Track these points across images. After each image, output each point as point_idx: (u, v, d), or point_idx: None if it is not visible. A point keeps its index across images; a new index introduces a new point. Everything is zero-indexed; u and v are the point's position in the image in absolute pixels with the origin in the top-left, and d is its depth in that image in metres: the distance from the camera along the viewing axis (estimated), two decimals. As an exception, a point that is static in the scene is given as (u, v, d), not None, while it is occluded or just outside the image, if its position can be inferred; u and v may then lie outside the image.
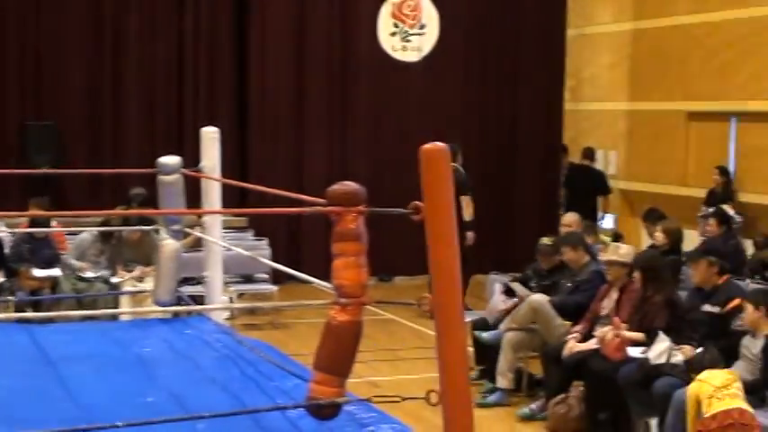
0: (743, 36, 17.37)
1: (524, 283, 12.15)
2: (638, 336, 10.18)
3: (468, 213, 15.75)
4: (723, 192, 16.61)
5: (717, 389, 8.47)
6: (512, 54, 19.71)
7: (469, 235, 15.48)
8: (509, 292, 12.15)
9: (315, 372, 4.94)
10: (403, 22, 18.70)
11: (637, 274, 10.67)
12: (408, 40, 18.76)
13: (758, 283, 12.35)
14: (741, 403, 8.27)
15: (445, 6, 18.88)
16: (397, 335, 14.06)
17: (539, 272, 12.32)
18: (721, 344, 9.74)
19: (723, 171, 16.95)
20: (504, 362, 11.26)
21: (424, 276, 4.35)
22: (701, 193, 17.11)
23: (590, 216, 17.80)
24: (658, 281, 10.52)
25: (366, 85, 18.70)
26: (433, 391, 4.73)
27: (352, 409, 5.20)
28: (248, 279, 15.25)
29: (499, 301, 12.10)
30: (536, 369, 11.57)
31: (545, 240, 12.30)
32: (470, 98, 19.28)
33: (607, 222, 19.02)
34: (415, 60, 18.81)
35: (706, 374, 8.60)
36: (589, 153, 19.56)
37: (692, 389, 8.62)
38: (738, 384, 8.44)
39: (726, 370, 8.69)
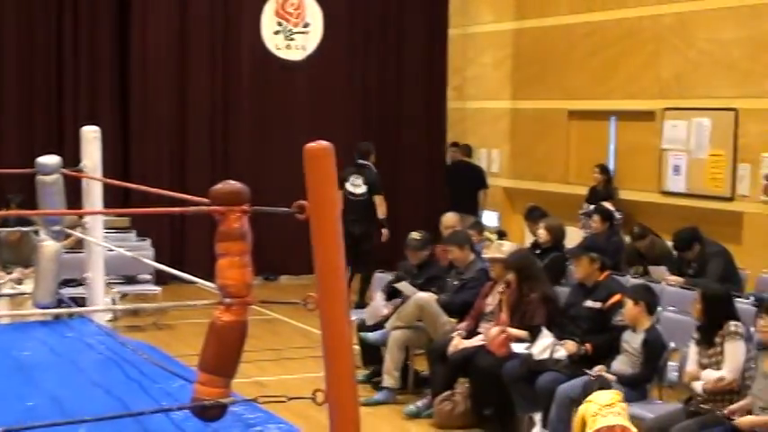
0: (621, 37, 17.62)
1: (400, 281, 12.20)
2: (522, 333, 10.28)
3: (381, 212, 16.17)
4: (604, 189, 16.83)
5: (602, 407, 8.59)
6: (396, 53, 19.79)
7: (384, 232, 15.98)
8: (392, 295, 12.15)
9: (199, 373, 4.88)
10: (287, 20, 18.65)
11: (511, 275, 10.79)
12: (292, 39, 18.73)
13: (638, 278, 12.54)
14: (624, 421, 8.40)
15: (329, 5, 18.88)
16: (283, 334, 14.02)
17: (409, 270, 12.38)
18: (602, 338, 9.88)
19: (603, 169, 17.17)
20: (390, 361, 11.29)
21: (310, 276, 4.37)
22: (583, 190, 17.32)
23: (473, 212, 18.03)
24: (532, 279, 10.66)
25: (250, 84, 18.61)
26: (319, 390, 4.71)
27: (238, 409, 5.16)
28: (131, 280, 15.08)
29: (380, 306, 12.08)
30: (422, 366, 11.60)
31: (414, 235, 12.32)
32: (355, 97, 19.33)
33: (491, 220, 19.16)
34: (299, 59, 18.79)
35: (594, 395, 8.73)
36: (466, 150, 19.71)
37: (581, 409, 8.75)
38: (623, 404, 8.57)
39: (613, 390, 8.80)
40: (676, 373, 9.81)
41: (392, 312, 11.72)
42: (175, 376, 5.75)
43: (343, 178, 15.90)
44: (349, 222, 15.57)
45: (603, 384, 9.05)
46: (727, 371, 8.50)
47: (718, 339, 8.66)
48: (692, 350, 8.95)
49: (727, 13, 15.80)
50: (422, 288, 11.78)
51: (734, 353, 8.51)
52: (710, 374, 8.53)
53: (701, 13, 16.27)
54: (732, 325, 8.59)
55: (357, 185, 16.42)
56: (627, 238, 14.96)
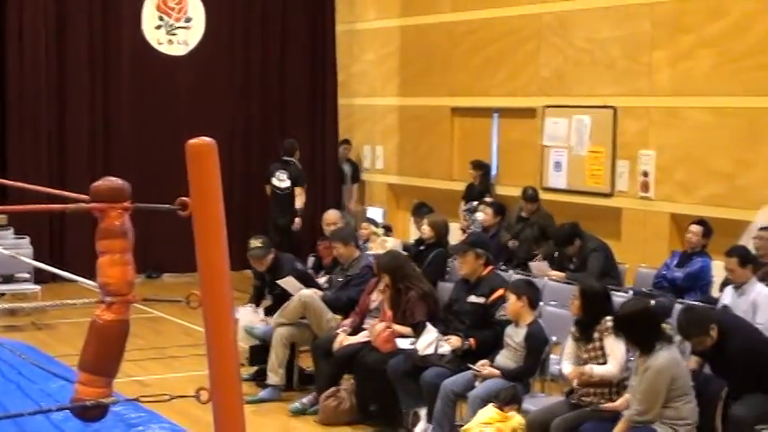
0: (503, 35, 17.78)
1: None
2: (407, 329, 10.31)
3: (299, 202, 17.10)
4: (481, 185, 16.96)
5: (479, 423, 8.74)
6: (280, 48, 19.74)
7: (297, 221, 16.84)
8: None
9: (80, 372, 4.80)
10: (168, 15, 18.49)
11: (384, 278, 10.81)
12: (174, 34, 18.58)
13: (520, 274, 12.65)
14: None
15: (211, 0, 18.73)
16: (166, 333, 13.89)
17: (262, 278, 12.43)
18: (486, 333, 9.94)
19: (477, 165, 17.25)
20: (274, 358, 11.24)
21: (194, 273, 4.33)
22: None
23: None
24: (406, 278, 10.70)
25: (130, 80, 18.41)
26: (203, 388, 4.67)
27: (120, 409, 5.10)
28: (8, 279, 14.77)
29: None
30: (307, 363, 11.58)
31: (255, 243, 12.13)
32: (239, 93, 19.25)
33: (376, 216, 19.20)
34: (181, 54, 18.62)
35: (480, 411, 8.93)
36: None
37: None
38: (500, 425, 8.72)
39: (496, 411, 8.90)
40: (558, 367, 9.90)
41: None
42: (55, 376, 5.64)
43: (270, 174, 17.45)
44: (276, 214, 17.09)
45: (507, 396, 9.11)
46: (614, 365, 8.58)
47: (596, 335, 8.76)
48: (569, 345, 9.04)
49: (605, 13, 16.02)
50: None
51: (617, 347, 8.61)
52: (597, 370, 8.60)
53: (579, 13, 16.49)
54: (609, 320, 8.68)
55: (282, 180, 17.41)
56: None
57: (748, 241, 12.58)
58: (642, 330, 8.26)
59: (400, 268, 10.82)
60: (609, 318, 8.66)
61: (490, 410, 8.96)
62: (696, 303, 10.49)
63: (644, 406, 8.01)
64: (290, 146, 17.90)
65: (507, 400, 9.02)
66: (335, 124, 20.41)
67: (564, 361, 9.06)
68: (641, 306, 8.71)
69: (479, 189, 16.83)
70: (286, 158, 17.68)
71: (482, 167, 17.21)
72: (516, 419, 8.87)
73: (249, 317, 11.93)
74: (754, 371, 8.53)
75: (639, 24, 15.52)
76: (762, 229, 12.64)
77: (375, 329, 10.41)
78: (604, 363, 8.61)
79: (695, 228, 12.69)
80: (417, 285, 10.68)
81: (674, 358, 8.17)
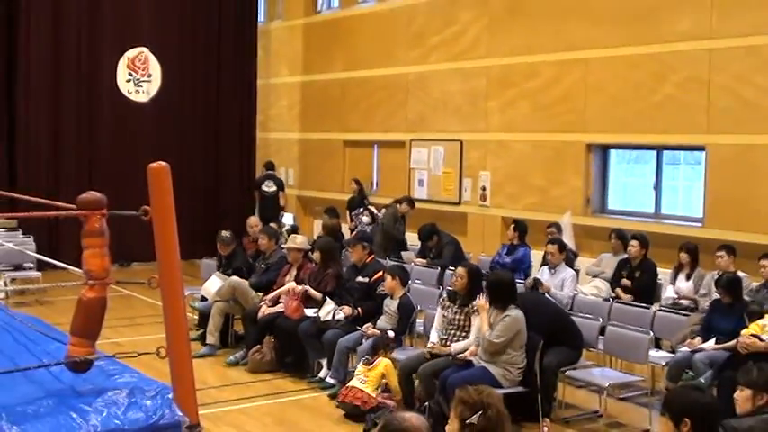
0: (381, 87, 17.85)
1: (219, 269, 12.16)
2: (318, 294, 10.37)
3: (283, 202, 18.68)
4: (359, 197, 17.01)
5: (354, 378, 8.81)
6: (217, 98, 19.61)
7: (283, 214, 18.59)
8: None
9: (71, 336, 4.75)
10: (135, 71, 18.28)
11: (317, 254, 10.91)
12: (140, 86, 18.36)
13: (394, 260, 12.70)
14: (362, 386, 8.65)
15: (167, 62, 18.55)
16: (135, 306, 13.67)
17: (221, 259, 12.33)
18: (370, 304, 9.96)
19: (356, 182, 17.30)
20: (212, 324, 11.19)
21: (154, 262, 4.27)
22: (354, 198, 17.50)
23: (279, 210, 18.54)
24: (331, 259, 10.78)
25: (109, 119, 18.17)
26: (161, 347, 4.64)
27: (102, 363, 5.01)
28: (18, 267, 14.58)
29: (212, 290, 11.84)
30: (239, 328, 11.50)
31: (224, 233, 12.26)
32: (187, 128, 19.06)
33: (288, 219, 19.16)
34: (145, 101, 18.42)
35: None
36: (270, 165, 19.68)
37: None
38: (367, 374, 8.74)
39: (363, 365, 8.89)
40: (422, 328, 9.96)
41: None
42: (54, 340, 5.53)
43: (260, 182, 18.70)
44: (264, 211, 17.97)
45: (381, 343, 9.09)
46: (470, 339, 8.50)
47: (463, 315, 8.69)
48: (438, 316, 8.91)
49: (454, 73, 16.17)
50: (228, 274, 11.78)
51: (475, 325, 8.51)
52: (456, 346, 8.55)
53: (435, 72, 16.62)
54: (476, 303, 8.58)
55: (270, 186, 18.57)
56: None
57: (565, 236, 12.85)
58: (504, 291, 8.27)
59: (330, 251, 10.96)
60: (477, 302, 8.57)
61: (360, 367, 8.96)
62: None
63: (500, 335, 7.99)
64: (272, 164, 19.16)
65: (378, 346, 9.03)
66: (255, 152, 20.31)
67: (433, 330, 8.95)
68: (506, 276, 8.72)
69: (359, 199, 16.91)
70: (270, 172, 18.81)
71: (359, 184, 17.27)
72: (382, 363, 8.82)
73: (216, 279, 11.81)
74: (554, 330, 8.66)
75: (478, 81, 15.70)
76: (549, 226, 12.91)
77: (288, 302, 10.41)
78: (466, 335, 8.58)
79: (511, 230, 12.89)
80: (335, 267, 10.75)
81: (522, 317, 8.18)
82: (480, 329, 8.27)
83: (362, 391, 8.60)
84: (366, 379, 8.68)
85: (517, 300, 8.30)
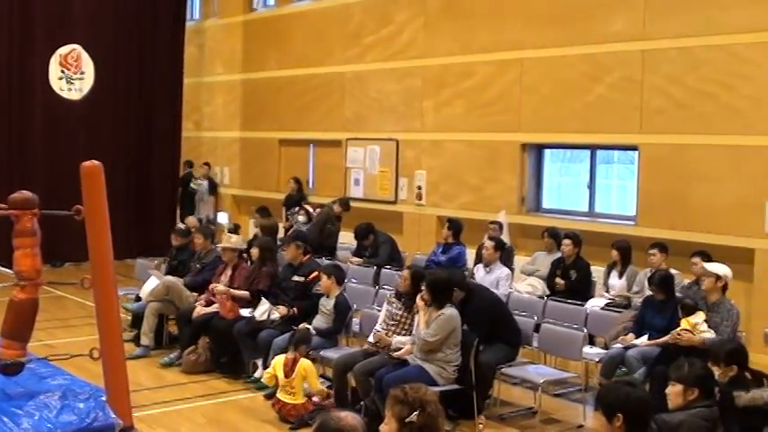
0: (317, 86, 17.84)
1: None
2: (245, 293, 10.39)
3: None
4: (297, 195, 17.02)
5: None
6: (149, 97, 19.42)
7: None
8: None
9: (2, 339, 4.68)
10: (68, 69, 18.00)
11: (256, 251, 10.96)
12: (72, 83, 18.08)
13: (329, 259, 12.69)
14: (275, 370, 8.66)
15: (99, 59, 18.30)
16: (67, 307, 13.48)
17: (171, 252, 12.27)
18: (306, 303, 9.95)
19: (295, 180, 17.33)
20: (146, 325, 11.08)
21: (87, 262, 4.22)
22: (290, 197, 17.47)
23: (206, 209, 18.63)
24: (267, 258, 10.77)
25: (41, 117, 17.87)
26: (94, 348, 4.59)
27: (33, 366, 4.95)
28: (-56, 268, 14.21)
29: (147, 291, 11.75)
30: (174, 329, 11.40)
31: (181, 225, 12.59)
32: (119, 126, 18.88)
33: (223, 219, 19.07)
34: (77, 98, 18.16)
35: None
36: (207, 165, 19.50)
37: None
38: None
39: (285, 356, 8.86)
40: (358, 327, 9.97)
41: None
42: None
43: (188, 180, 19.42)
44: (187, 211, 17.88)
45: (301, 338, 9.04)
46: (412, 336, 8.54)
47: (408, 313, 8.71)
48: (383, 313, 8.94)
49: (390, 73, 16.22)
50: (177, 267, 11.75)
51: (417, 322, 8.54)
52: (398, 339, 8.60)
53: (371, 72, 16.65)
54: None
55: (200, 184, 19.32)
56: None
57: (505, 236, 12.98)
58: (442, 290, 8.30)
59: (269, 250, 10.95)
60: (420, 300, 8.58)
61: (280, 357, 8.89)
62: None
63: (434, 334, 8.00)
64: (191, 164, 19.54)
65: (299, 339, 8.96)
66: (180, 151, 20.13)
67: (376, 327, 8.95)
68: (445, 274, 8.75)
69: (297, 198, 16.88)
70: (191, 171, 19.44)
71: (298, 182, 17.27)
72: (301, 366, 8.63)
73: (155, 280, 11.72)
74: (493, 322, 8.73)
75: (413, 81, 15.77)
76: (492, 223, 13.03)
77: (222, 301, 10.36)
78: (406, 333, 8.59)
79: (446, 229, 12.97)
80: (271, 265, 10.72)
81: (457, 316, 8.22)
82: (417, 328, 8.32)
83: (294, 404, 8.56)
84: (293, 390, 8.62)
85: (451, 298, 8.36)
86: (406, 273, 8.91)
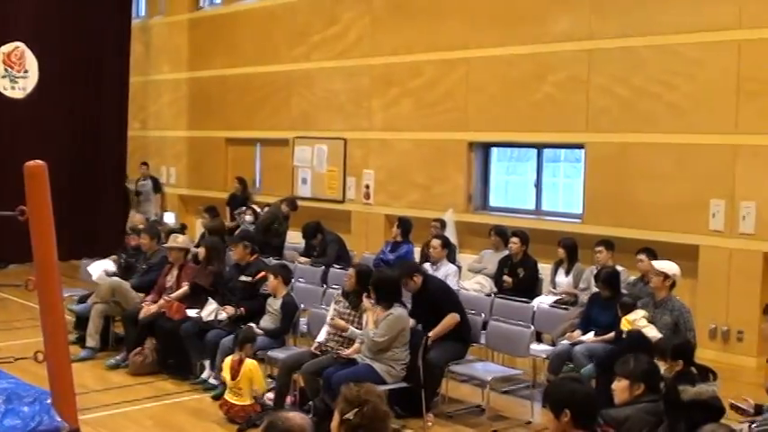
0: (263, 85, 17.77)
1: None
2: (184, 289, 10.39)
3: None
4: (242, 195, 16.96)
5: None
6: (95, 96, 19.13)
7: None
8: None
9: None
10: (11, 67, 17.71)
11: (202, 251, 10.95)
12: (16, 82, 17.79)
13: (277, 259, 12.64)
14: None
15: (43, 58, 18.01)
16: (11, 310, 13.26)
17: (125, 250, 12.20)
18: (253, 303, 9.89)
19: (239, 180, 17.28)
20: (91, 327, 10.94)
21: (32, 263, 4.16)
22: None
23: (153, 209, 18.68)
24: (215, 258, 10.71)
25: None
26: (39, 351, 4.53)
27: (-26, 369, 4.86)
28: None
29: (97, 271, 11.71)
30: (120, 330, 11.28)
31: (137, 226, 12.42)
32: (64, 126, 18.55)
33: (169, 219, 18.91)
34: (21, 97, 17.88)
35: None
36: (145, 165, 19.35)
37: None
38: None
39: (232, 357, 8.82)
40: (306, 327, 9.94)
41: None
42: None
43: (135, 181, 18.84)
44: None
45: (246, 336, 8.98)
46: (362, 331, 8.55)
47: (356, 312, 8.72)
48: (330, 311, 8.91)
49: (337, 71, 16.22)
50: (132, 266, 11.72)
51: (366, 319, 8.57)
52: (356, 331, 8.59)
53: (319, 70, 16.64)
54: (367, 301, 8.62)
55: (144, 185, 19.28)
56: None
57: (448, 232, 13.03)
58: (389, 290, 8.30)
59: (215, 249, 10.92)
60: (367, 299, 8.58)
61: (229, 359, 8.84)
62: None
63: (383, 334, 8.01)
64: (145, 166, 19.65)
65: (244, 338, 8.91)
66: (126, 151, 19.89)
67: (324, 328, 8.94)
68: (392, 274, 8.75)
69: (241, 197, 16.82)
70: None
71: (242, 182, 17.22)
72: (246, 366, 8.57)
73: (106, 264, 11.76)
74: (452, 303, 8.84)
75: (361, 80, 15.78)
76: (435, 220, 13.11)
77: (166, 305, 10.29)
78: (359, 326, 8.60)
79: (395, 227, 13.01)
80: (217, 265, 10.68)
81: (406, 315, 8.27)
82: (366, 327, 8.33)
83: (241, 405, 8.52)
84: (240, 391, 8.57)
85: (399, 298, 8.39)
86: (351, 271, 8.93)
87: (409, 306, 8.68)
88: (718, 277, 11.18)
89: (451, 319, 8.71)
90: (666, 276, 8.55)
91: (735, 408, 6.35)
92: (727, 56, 11.11)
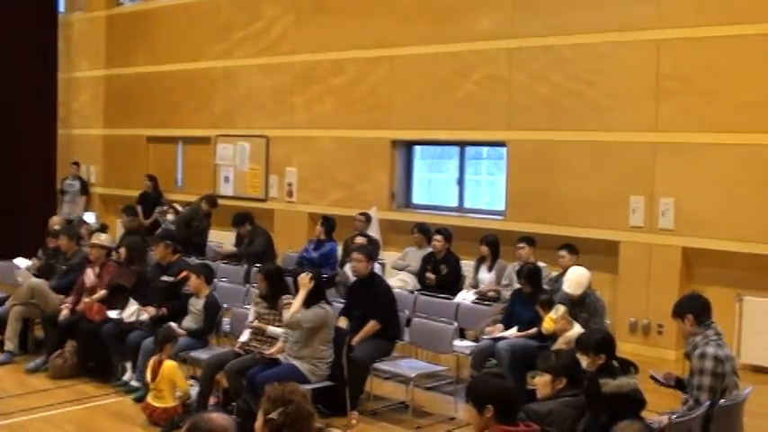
0: (184, 82, 17.61)
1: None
2: (103, 293, 10.22)
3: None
4: (153, 193, 16.83)
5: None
6: (17, 93, 18.60)
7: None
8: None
9: None
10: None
11: (123, 250, 10.81)
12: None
13: (199, 259, 12.53)
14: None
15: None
16: None
17: (47, 252, 11.99)
18: (175, 303, 9.78)
19: (151, 178, 17.14)
20: (10, 330, 10.71)
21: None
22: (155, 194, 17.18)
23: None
24: (136, 257, 10.64)
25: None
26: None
27: None
28: None
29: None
30: (39, 332, 11.05)
31: (56, 227, 12.22)
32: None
33: (90, 218, 18.59)
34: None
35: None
36: (75, 165, 19.05)
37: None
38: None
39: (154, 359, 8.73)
40: (229, 327, 9.87)
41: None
42: None
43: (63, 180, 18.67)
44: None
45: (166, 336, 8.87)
46: (282, 329, 8.50)
47: (276, 306, 8.67)
48: (251, 313, 8.89)
49: (259, 69, 16.16)
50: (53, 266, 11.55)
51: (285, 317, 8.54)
52: (272, 329, 8.55)
53: (240, 68, 16.55)
54: (285, 298, 8.58)
55: (70, 185, 18.81)
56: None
57: (372, 230, 13.08)
58: (314, 289, 8.25)
59: (137, 249, 10.83)
60: (286, 296, 8.58)
61: (149, 379, 8.72)
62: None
63: (308, 320, 7.96)
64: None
65: (163, 338, 8.80)
66: (56, 149, 19.46)
67: (245, 331, 8.89)
68: (315, 274, 8.71)
69: (153, 195, 16.65)
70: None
71: (153, 179, 17.06)
72: (166, 368, 8.46)
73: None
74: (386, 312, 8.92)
75: (283, 77, 15.73)
76: (360, 214, 13.18)
77: (90, 304, 10.12)
78: (280, 325, 8.55)
79: (319, 226, 13.01)
80: (139, 265, 10.57)
81: (332, 313, 8.29)
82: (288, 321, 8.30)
83: (164, 408, 8.42)
84: (161, 393, 8.47)
85: (325, 297, 8.39)
86: (259, 276, 8.98)
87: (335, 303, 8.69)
88: (639, 272, 11.40)
89: (372, 327, 8.77)
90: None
91: (653, 378, 6.64)
92: (647, 55, 11.33)
